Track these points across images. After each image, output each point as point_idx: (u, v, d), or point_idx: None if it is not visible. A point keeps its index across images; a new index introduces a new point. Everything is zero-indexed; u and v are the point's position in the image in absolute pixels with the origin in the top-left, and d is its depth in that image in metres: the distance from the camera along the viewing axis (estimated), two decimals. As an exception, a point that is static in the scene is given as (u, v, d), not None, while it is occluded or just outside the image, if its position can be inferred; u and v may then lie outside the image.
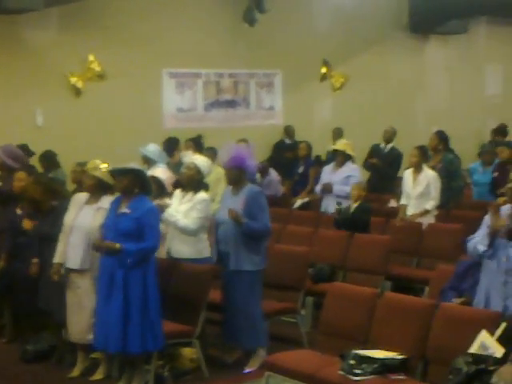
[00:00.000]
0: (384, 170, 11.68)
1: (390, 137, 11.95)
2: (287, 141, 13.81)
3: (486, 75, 17.11)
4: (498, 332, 5.02)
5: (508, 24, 16.62)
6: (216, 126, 13.28)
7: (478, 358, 4.89)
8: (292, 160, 12.70)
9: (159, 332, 6.31)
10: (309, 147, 12.17)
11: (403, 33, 15.51)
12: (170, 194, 7.41)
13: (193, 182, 7.22)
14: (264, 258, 7.01)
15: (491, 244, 5.25)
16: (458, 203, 10.30)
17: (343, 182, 9.60)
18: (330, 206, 9.58)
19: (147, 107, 12.65)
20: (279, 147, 13.72)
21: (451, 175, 9.90)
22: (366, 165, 12.00)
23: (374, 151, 12.09)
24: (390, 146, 11.91)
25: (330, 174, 9.84)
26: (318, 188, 9.97)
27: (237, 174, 6.95)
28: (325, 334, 6.21)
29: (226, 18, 13.23)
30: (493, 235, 5.23)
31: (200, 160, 7.43)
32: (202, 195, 7.18)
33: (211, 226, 7.36)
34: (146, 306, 6.20)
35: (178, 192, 7.35)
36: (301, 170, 11.96)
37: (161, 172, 7.64)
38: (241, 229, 6.77)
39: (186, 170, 7.29)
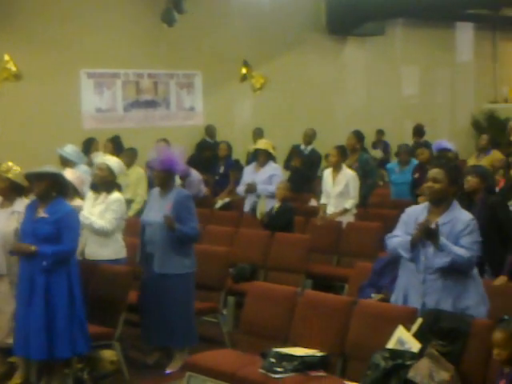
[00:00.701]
0: (305, 171, 11.77)
1: (310, 139, 12.06)
2: (209, 140, 13.79)
3: (402, 76, 17.43)
4: (415, 328, 5.11)
5: (424, 26, 16.97)
6: (136, 127, 13.20)
7: (395, 354, 4.96)
8: (212, 159, 12.69)
9: (87, 333, 6.23)
10: (229, 147, 12.17)
11: (321, 34, 15.66)
12: (81, 195, 7.31)
13: (105, 182, 7.16)
14: (194, 260, 6.97)
15: (412, 250, 5.35)
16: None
17: (266, 181, 9.65)
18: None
19: (65, 108, 12.47)
20: (201, 147, 13.68)
21: (367, 174, 10.03)
22: (286, 166, 12.09)
23: (295, 152, 12.17)
24: (310, 147, 12.00)
25: (252, 174, 9.87)
26: (241, 188, 9.99)
27: (165, 177, 6.90)
28: (246, 333, 6.23)
29: (145, 18, 13.15)
30: (414, 244, 5.33)
31: (112, 161, 7.36)
32: (116, 195, 7.13)
33: (136, 228, 7.27)
34: (73, 309, 6.10)
35: (90, 194, 7.28)
36: (221, 170, 11.95)
37: (70, 173, 7.47)
38: (173, 234, 6.72)
39: (98, 171, 7.23)
